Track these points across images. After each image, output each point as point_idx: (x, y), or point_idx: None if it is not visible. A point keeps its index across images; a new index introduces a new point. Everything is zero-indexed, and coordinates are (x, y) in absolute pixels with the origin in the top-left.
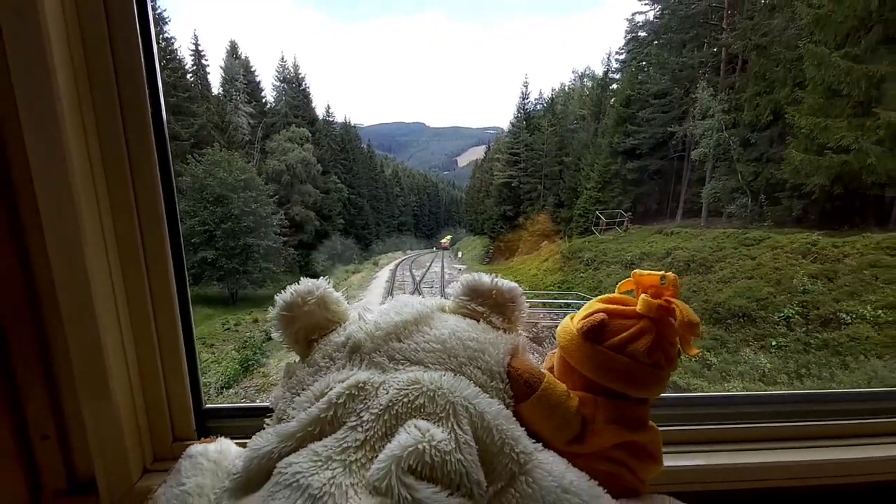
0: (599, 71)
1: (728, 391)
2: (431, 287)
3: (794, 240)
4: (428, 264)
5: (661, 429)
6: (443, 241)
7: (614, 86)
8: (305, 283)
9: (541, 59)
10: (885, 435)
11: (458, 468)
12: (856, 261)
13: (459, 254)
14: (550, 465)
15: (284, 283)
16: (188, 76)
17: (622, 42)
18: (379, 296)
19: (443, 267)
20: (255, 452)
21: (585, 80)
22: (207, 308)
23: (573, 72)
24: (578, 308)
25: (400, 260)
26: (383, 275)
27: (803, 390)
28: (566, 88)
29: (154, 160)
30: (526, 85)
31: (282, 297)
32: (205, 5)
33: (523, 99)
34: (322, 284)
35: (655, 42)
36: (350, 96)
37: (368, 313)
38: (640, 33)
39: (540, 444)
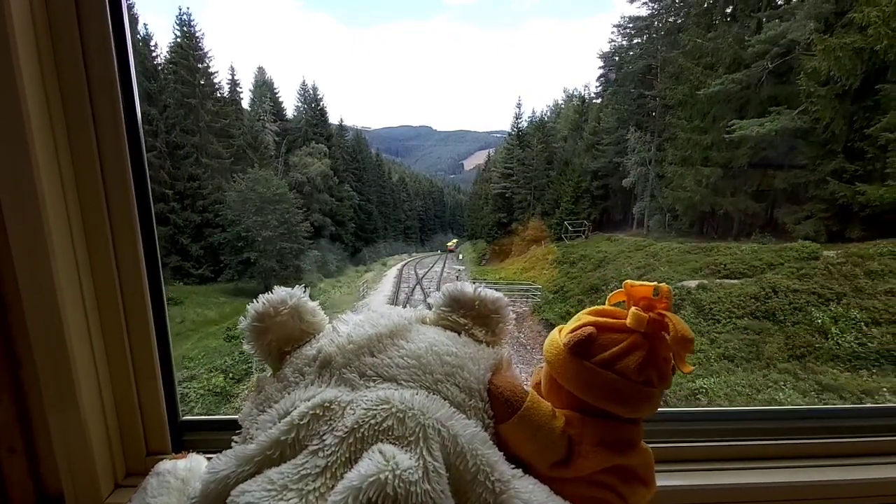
0: (585, 91)
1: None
2: (431, 282)
3: (657, 247)
4: (431, 265)
5: (651, 446)
6: (449, 244)
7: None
8: (279, 292)
9: (546, 63)
10: (888, 454)
11: (424, 500)
12: (668, 257)
13: (461, 256)
14: (529, 495)
15: (308, 279)
16: (227, 105)
17: (597, 74)
18: (389, 289)
19: (443, 267)
20: (212, 476)
21: (574, 100)
22: (250, 299)
23: (564, 90)
24: (528, 291)
25: (406, 261)
26: (391, 273)
27: (803, 406)
28: (558, 107)
29: (126, 161)
30: (519, 105)
31: (253, 307)
32: (223, 9)
33: (517, 119)
34: (296, 293)
35: (608, 89)
36: (358, 100)
37: (343, 325)
38: (608, 69)
39: (520, 470)
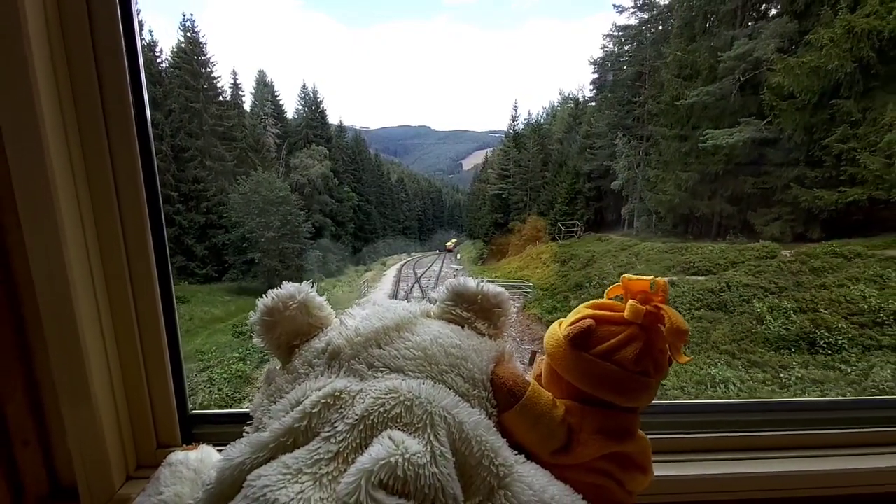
0: (580, 94)
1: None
2: (429, 280)
3: (640, 247)
4: (430, 264)
5: (649, 437)
6: (448, 243)
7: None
8: (287, 288)
9: (545, 63)
10: (870, 445)
11: (432, 482)
12: (648, 256)
13: (458, 255)
14: (531, 479)
15: (309, 278)
16: (230, 108)
17: (591, 78)
18: (388, 287)
19: (442, 266)
20: (227, 463)
21: (569, 102)
22: (254, 298)
23: (559, 93)
24: (521, 289)
25: (405, 261)
26: (391, 272)
27: (799, 398)
28: (553, 109)
29: (136, 158)
30: (515, 108)
31: (263, 302)
32: (223, 9)
33: (513, 121)
34: (304, 289)
35: (599, 95)
36: (357, 100)
37: (350, 318)
38: (604, 73)
39: (522, 456)
